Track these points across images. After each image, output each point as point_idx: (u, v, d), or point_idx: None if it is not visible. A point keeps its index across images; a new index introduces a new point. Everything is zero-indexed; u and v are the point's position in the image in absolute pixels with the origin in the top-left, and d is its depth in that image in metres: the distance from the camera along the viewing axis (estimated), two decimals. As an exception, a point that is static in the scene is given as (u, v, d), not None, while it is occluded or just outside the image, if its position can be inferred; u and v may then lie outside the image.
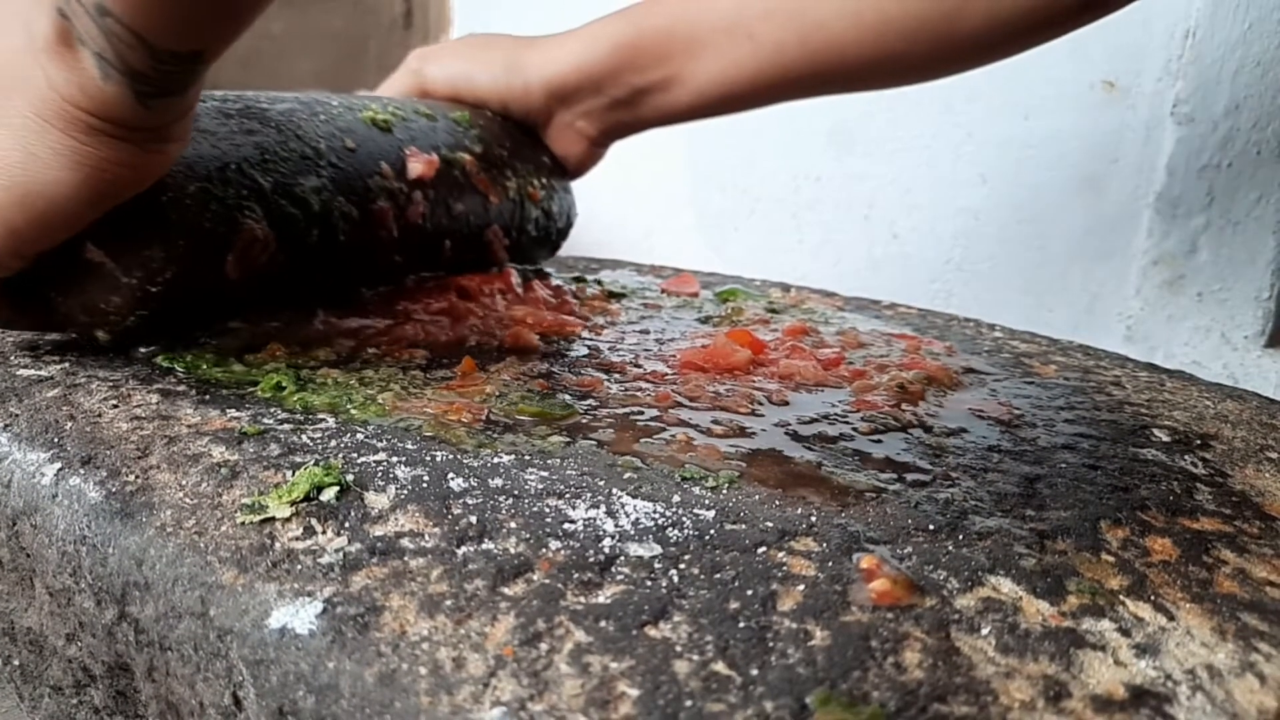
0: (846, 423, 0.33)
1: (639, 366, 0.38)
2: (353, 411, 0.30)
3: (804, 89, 0.49)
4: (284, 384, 0.32)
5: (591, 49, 0.49)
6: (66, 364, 0.33)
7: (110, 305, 0.33)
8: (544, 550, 0.23)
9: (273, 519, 0.24)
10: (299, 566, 0.22)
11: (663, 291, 0.55)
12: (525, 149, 0.52)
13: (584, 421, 0.31)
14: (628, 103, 0.50)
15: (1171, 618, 0.22)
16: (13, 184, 0.29)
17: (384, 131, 0.43)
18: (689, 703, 0.18)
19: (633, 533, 0.24)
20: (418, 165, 0.43)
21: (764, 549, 0.24)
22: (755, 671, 0.19)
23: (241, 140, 0.36)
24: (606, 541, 0.24)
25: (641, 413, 0.33)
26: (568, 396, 0.33)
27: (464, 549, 0.23)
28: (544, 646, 0.19)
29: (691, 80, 0.48)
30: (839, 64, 0.47)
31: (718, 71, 0.48)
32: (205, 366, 0.33)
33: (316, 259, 0.38)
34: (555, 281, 0.52)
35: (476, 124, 0.49)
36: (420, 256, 0.45)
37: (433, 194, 0.44)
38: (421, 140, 0.45)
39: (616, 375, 0.37)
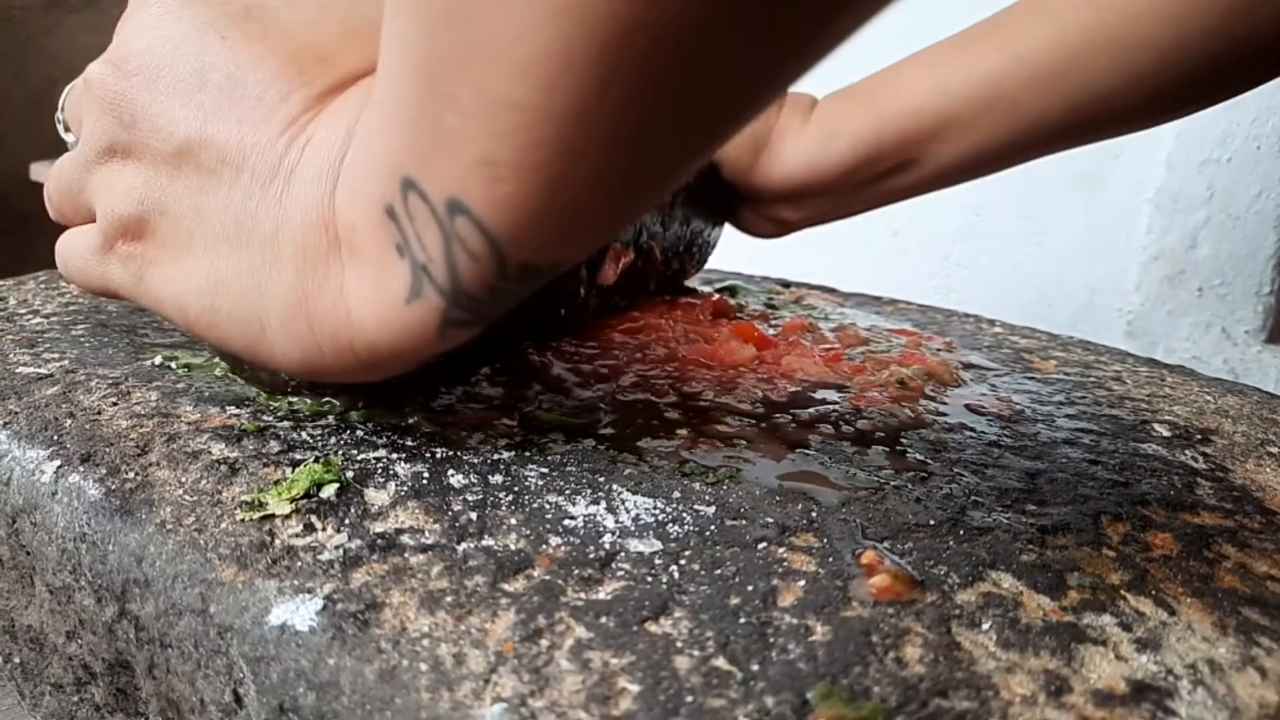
0: (846, 419, 0.33)
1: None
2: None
3: (1061, 147, 0.44)
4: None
5: (828, 151, 0.44)
6: (66, 362, 0.33)
7: (246, 372, 0.31)
8: (544, 546, 0.23)
9: (272, 516, 0.24)
10: (299, 563, 0.22)
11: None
12: (709, 219, 0.47)
13: (587, 421, 0.31)
14: (850, 193, 0.45)
15: (1172, 612, 0.22)
16: (220, 327, 0.25)
17: None
18: (690, 698, 0.18)
19: (633, 529, 0.24)
20: (611, 272, 0.38)
21: (764, 545, 0.24)
22: (756, 667, 0.19)
23: None
24: (607, 538, 0.24)
25: (642, 409, 0.32)
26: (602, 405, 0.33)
27: (464, 545, 0.23)
28: (544, 643, 0.19)
29: (932, 161, 0.43)
30: (1108, 119, 0.42)
31: (965, 148, 0.42)
32: (204, 366, 0.33)
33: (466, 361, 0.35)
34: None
35: (688, 184, 0.43)
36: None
37: (607, 291, 0.40)
38: (630, 225, 0.39)
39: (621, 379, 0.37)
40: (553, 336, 0.39)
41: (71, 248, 0.28)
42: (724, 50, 0.17)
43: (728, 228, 0.51)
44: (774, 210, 0.47)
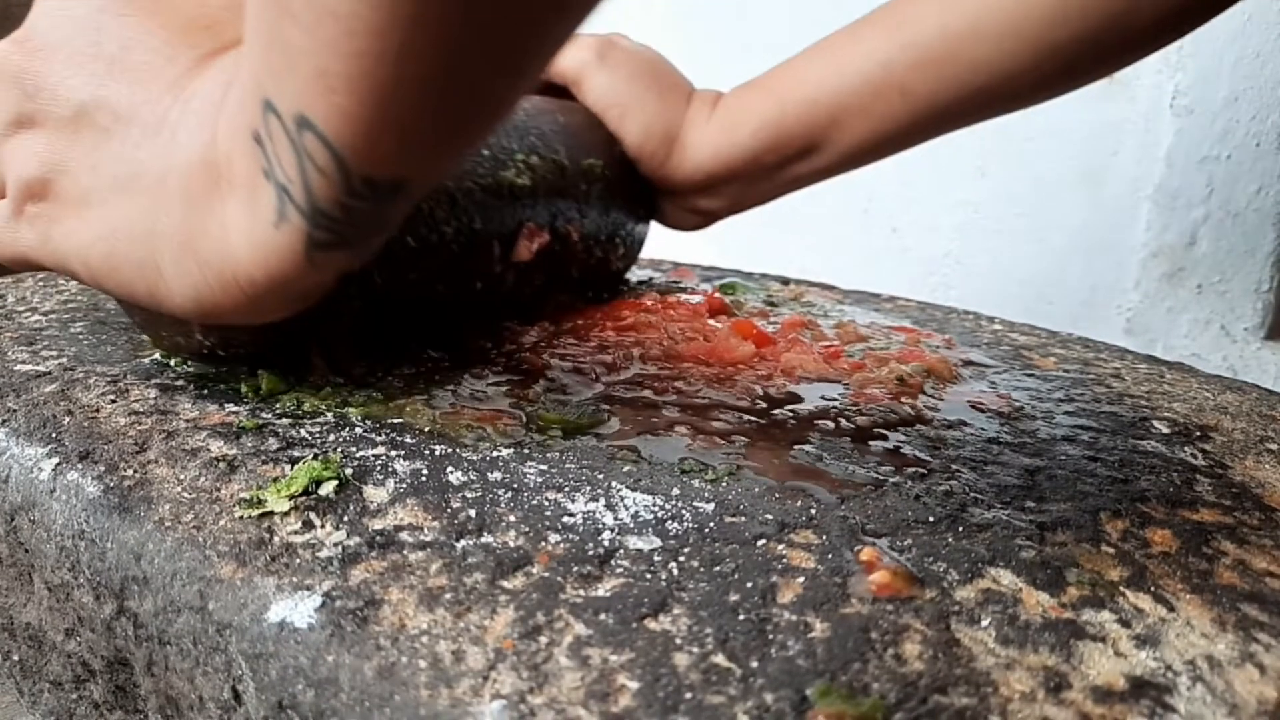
0: (846, 415, 0.33)
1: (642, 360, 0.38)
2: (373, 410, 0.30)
3: (948, 127, 0.46)
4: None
5: (734, 139, 0.46)
6: (64, 359, 0.33)
7: (172, 343, 0.32)
8: (543, 543, 0.23)
9: (271, 513, 0.24)
10: (298, 560, 0.22)
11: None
12: (629, 206, 0.48)
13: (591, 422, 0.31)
14: (761, 179, 0.48)
15: (1171, 609, 0.22)
16: (119, 273, 0.27)
17: (514, 199, 0.39)
18: (689, 695, 0.18)
19: (632, 526, 0.24)
20: (526, 251, 0.40)
21: (764, 541, 0.24)
22: (755, 664, 0.19)
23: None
24: (606, 535, 0.23)
25: (641, 406, 0.32)
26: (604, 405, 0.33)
27: (463, 542, 0.23)
28: (544, 639, 0.19)
29: (835, 145, 0.45)
30: (998, 98, 0.44)
31: (864, 133, 0.45)
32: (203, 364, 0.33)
33: (389, 332, 0.37)
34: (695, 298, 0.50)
35: (603, 176, 0.45)
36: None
37: (525, 269, 0.41)
38: (542, 208, 0.41)
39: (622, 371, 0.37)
40: (477, 313, 0.40)
41: None
42: None
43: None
44: (691, 202, 0.49)
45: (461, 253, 0.37)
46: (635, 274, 0.58)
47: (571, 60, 0.48)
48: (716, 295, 0.49)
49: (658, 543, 0.23)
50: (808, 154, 0.46)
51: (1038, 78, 0.43)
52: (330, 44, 0.20)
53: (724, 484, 0.27)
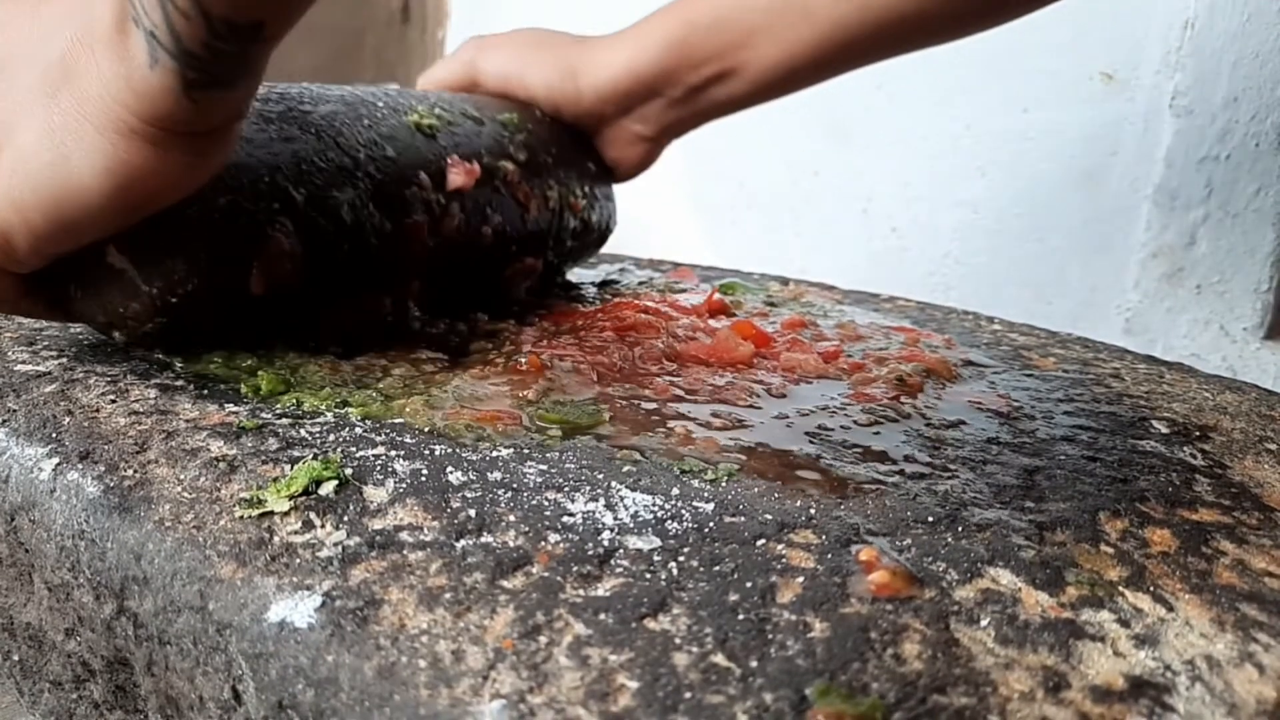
0: (845, 415, 0.33)
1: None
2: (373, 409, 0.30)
3: (864, 58, 0.47)
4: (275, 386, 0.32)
5: (642, 51, 0.47)
6: (64, 359, 0.33)
7: (129, 310, 0.32)
8: (543, 543, 0.23)
9: (271, 513, 0.24)
10: (298, 560, 0.22)
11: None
12: (572, 154, 0.50)
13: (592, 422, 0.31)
14: (684, 100, 0.49)
15: (1170, 608, 0.22)
16: (40, 185, 0.28)
17: (428, 137, 0.41)
18: (688, 694, 0.18)
19: (632, 526, 0.24)
20: (458, 176, 0.41)
21: (763, 541, 0.24)
22: (754, 663, 0.19)
23: (280, 149, 0.35)
24: (605, 534, 0.24)
25: (641, 405, 0.32)
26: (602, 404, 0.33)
27: (463, 542, 0.23)
28: (543, 639, 0.19)
29: (749, 68, 0.47)
30: (900, 26, 0.45)
31: (776, 56, 0.46)
32: (203, 362, 0.33)
33: (345, 273, 0.37)
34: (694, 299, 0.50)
35: (525, 127, 0.47)
36: (451, 269, 0.43)
37: (470, 204, 0.42)
38: (465, 146, 0.43)
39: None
40: (420, 263, 0.41)
41: None
42: None
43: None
44: (620, 128, 0.50)
45: (389, 181, 0.38)
46: (635, 274, 0.58)
47: (453, 70, 0.50)
48: (717, 296, 0.49)
49: (657, 542, 0.23)
50: (725, 77, 0.47)
51: (953, 10, 0.44)
52: None
53: (723, 484, 0.27)
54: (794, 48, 0.46)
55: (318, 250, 0.35)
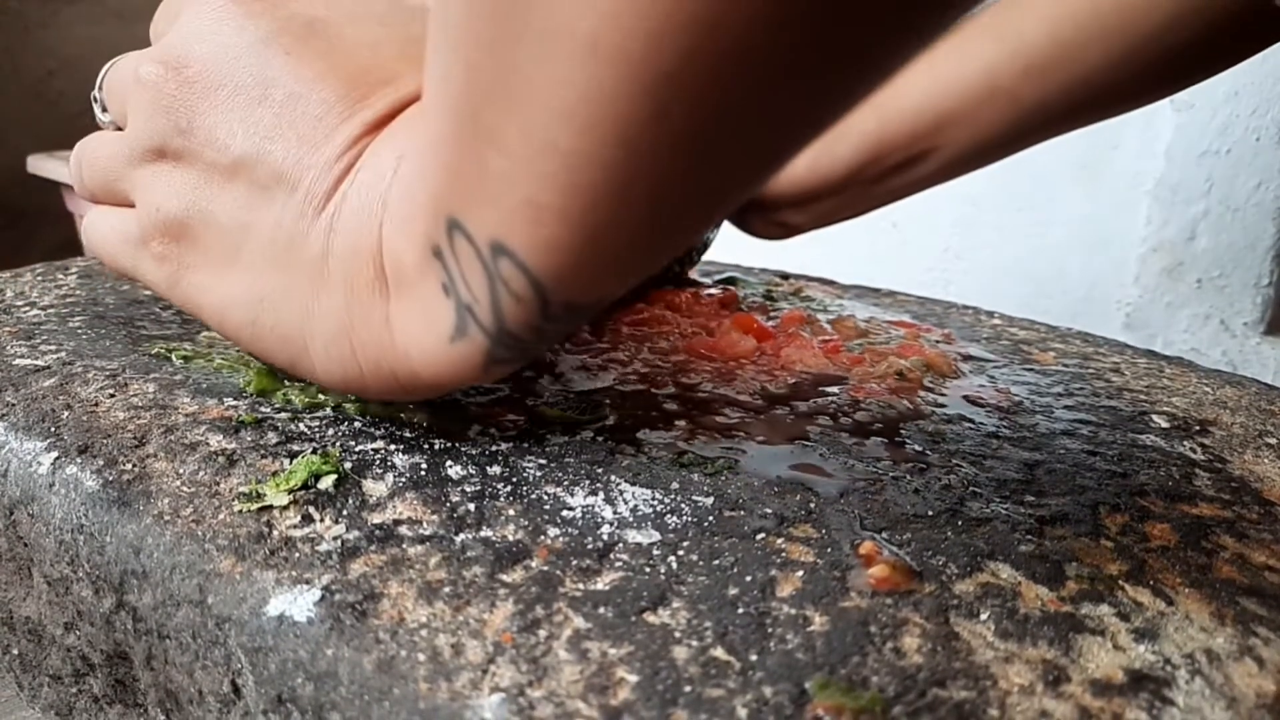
0: (845, 410, 0.33)
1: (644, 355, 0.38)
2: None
3: (1052, 134, 0.45)
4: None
5: (833, 151, 0.44)
6: (63, 354, 0.33)
7: None
8: (542, 537, 0.23)
9: (270, 507, 0.24)
10: (297, 554, 0.22)
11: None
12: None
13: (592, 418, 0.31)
14: (859, 195, 0.46)
15: (1170, 603, 0.22)
16: (272, 353, 0.27)
17: None
18: (688, 688, 0.18)
19: (631, 520, 0.24)
20: None
21: (763, 535, 0.24)
22: (754, 657, 0.19)
23: None
24: (605, 528, 0.23)
25: (642, 400, 0.32)
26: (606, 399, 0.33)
27: (462, 536, 0.23)
28: (543, 633, 0.19)
29: (939, 155, 0.43)
30: (1098, 104, 0.42)
31: (969, 142, 0.43)
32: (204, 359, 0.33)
33: None
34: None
35: None
36: None
37: None
38: None
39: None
40: None
41: (102, 230, 0.29)
42: (768, 93, 0.17)
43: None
44: (780, 215, 0.48)
45: None
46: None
47: None
48: (730, 289, 0.49)
49: (657, 536, 0.23)
50: (909, 165, 0.44)
51: (1151, 79, 0.41)
52: (544, 177, 0.18)
53: (723, 478, 0.27)
54: (988, 133, 0.43)
55: None
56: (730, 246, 0.88)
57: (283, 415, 0.29)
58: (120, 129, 0.28)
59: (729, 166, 0.19)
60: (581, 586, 0.21)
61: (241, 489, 0.24)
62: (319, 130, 0.24)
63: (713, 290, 0.48)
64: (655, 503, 0.25)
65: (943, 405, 0.35)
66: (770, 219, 0.48)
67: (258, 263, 0.25)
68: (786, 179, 0.45)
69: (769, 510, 0.25)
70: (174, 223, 0.26)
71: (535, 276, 0.20)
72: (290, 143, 0.24)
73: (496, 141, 0.19)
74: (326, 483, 0.25)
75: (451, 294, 0.22)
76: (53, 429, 0.27)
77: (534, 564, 0.22)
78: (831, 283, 0.59)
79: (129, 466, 0.25)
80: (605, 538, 0.23)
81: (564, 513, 0.24)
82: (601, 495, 0.25)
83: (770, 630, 0.20)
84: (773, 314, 0.46)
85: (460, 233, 0.21)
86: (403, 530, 0.23)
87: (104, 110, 0.30)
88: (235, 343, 0.27)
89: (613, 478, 0.26)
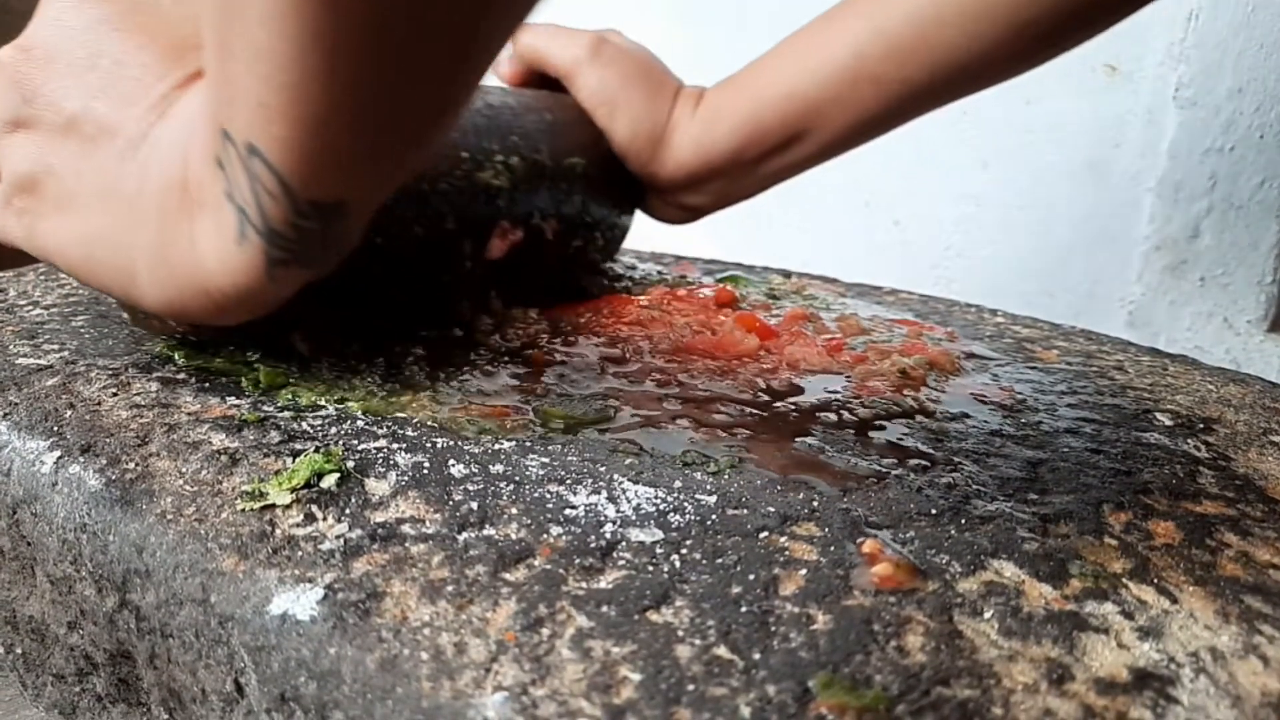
0: (848, 408, 0.33)
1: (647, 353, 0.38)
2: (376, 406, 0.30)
3: (925, 110, 0.47)
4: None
5: (713, 136, 0.47)
6: (66, 353, 0.33)
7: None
8: (545, 536, 0.23)
9: (273, 506, 0.24)
10: (300, 553, 0.22)
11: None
12: (612, 205, 0.49)
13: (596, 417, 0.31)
14: (747, 173, 0.48)
15: (1174, 601, 0.22)
16: (104, 280, 0.29)
17: (489, 199, 0.40)
18: (691, 687, 0.18)
19: (634, 518, 0.24)
20: (498, 248, 0.41)
21: (766, 534, 0.24)
22: (757, 655, 0.19)
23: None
24: (608, 527, 0.23)
25: (645, 399, 0.32)
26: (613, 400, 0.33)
27: (465, 535, 0.23)
28: (545, 631, 0.19)
29: (814, 136, 0.46)
30: (962, 80, 0.45)
31: (841, 123, 0.46)
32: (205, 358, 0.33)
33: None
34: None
35: (585, 174, 0.46)
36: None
37: (498, 265, 0.42)
38: (520, 205, 0.41)
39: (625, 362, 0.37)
40: (446, 304, 0.40)
41: None
42: None
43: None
44: (677, 198, 0.50)
45: (432, 251, 0.38)
46: (640, 268, 0.58)
47: (565, 55, 0.49)
48: (727, 288, 0.49)
49: (660, 535, 0.23)
50: (787, 147, 0.47)
51: (1011, 53, 0.43)
52: (264, 79, 0.22)
53: (726, 476, 0.27)
54: (860, 113, 0.45)
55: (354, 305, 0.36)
56: (731, 247, 0.88)
57: (285, 414, 0.29)
58: None
59: (411, 63, 0.22)
60: (584, 585, 0.21)
61: (244, 488, 0.24)
62: (138, 89, 0.28)
63: (707, 290, 0.48)
64: (658, 501, 0.25)
65: (946, 403, 0.34)
66: (669, 201, 0.51)
67: (91, 204, 0.28)
68: (675, 163, 0.48)
69: (772, 509, 0.25)
70: (26, 179, 0.29)
71: (279, 173, 0.24)
72: (113, 100, 0.28)
73: (233, 52, 0.22)
74: (329, 481, 0.25)
75: (232, 200, 0.25)
76: (55, 428, 0.27)
77: (537, 562, 0.22)
78: (834, 281, 0.58)
79: (132, 465, 0.26)
80: (608, 536, 0.23)
81: (567, 511, 0.24)
82: (604, 494, 0.25)
83: (773, 629, 0.20)
84: (775, 312, 0.46)
85: (229, 140, 0.24)
86: (405, 529, 0.23)
87: None
88: (78, 279, 0.30)
89: (615, 476, 0.26)
